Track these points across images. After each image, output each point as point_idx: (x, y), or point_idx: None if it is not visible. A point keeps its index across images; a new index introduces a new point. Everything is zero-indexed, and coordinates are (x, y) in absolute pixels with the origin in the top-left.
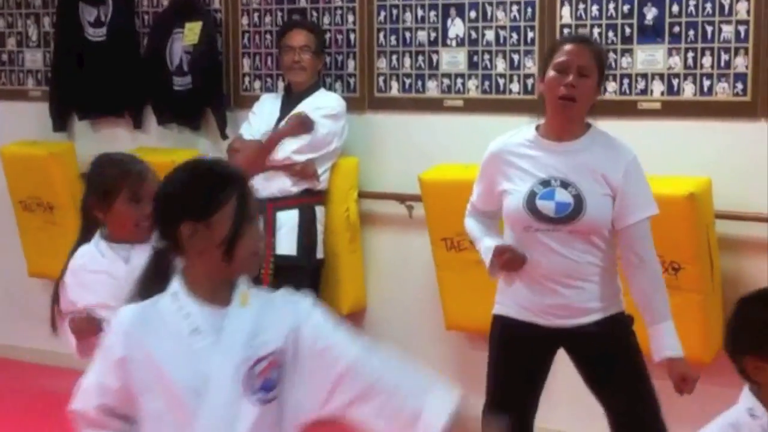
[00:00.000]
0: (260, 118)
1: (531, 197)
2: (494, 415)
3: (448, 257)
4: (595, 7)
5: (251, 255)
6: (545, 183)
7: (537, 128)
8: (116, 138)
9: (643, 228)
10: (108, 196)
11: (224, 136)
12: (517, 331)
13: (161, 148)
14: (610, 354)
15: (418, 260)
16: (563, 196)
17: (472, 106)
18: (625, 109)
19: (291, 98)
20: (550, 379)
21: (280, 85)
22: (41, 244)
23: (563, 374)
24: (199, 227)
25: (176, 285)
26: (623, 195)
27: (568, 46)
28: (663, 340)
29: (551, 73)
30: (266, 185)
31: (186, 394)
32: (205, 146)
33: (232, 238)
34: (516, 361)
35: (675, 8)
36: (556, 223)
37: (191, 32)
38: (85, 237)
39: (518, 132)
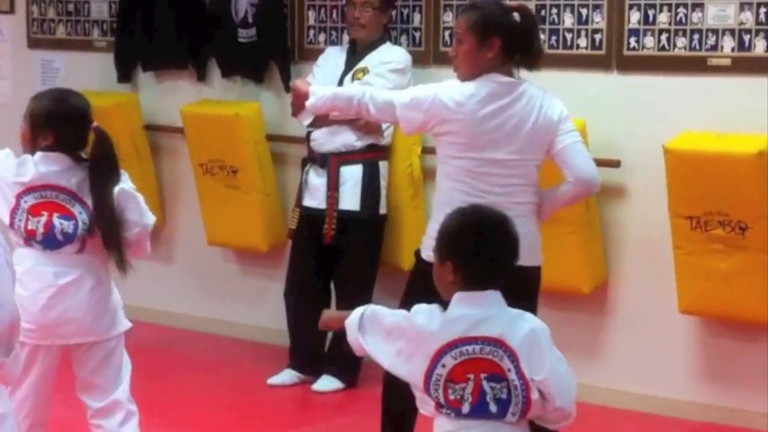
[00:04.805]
0: (325, 71)
1: None
2: None
3: None
4: None
5: None
6: None
7: None
8: (179, 90)
9: None
10: None
11: (288, 89)
12: None
13: (225, 100)
14: None
15: None
16: None
17: None
18: (694, 65)
19: (356, 52)
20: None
21: (345, 38)
22: None
23: None
24: None
25: None
26: None
27: None
28: None
29: None
30: (330, 140)
31: None
32: (268, 99)
33: None
34: None
35: None
36: None
37: None
38: None
39: None
